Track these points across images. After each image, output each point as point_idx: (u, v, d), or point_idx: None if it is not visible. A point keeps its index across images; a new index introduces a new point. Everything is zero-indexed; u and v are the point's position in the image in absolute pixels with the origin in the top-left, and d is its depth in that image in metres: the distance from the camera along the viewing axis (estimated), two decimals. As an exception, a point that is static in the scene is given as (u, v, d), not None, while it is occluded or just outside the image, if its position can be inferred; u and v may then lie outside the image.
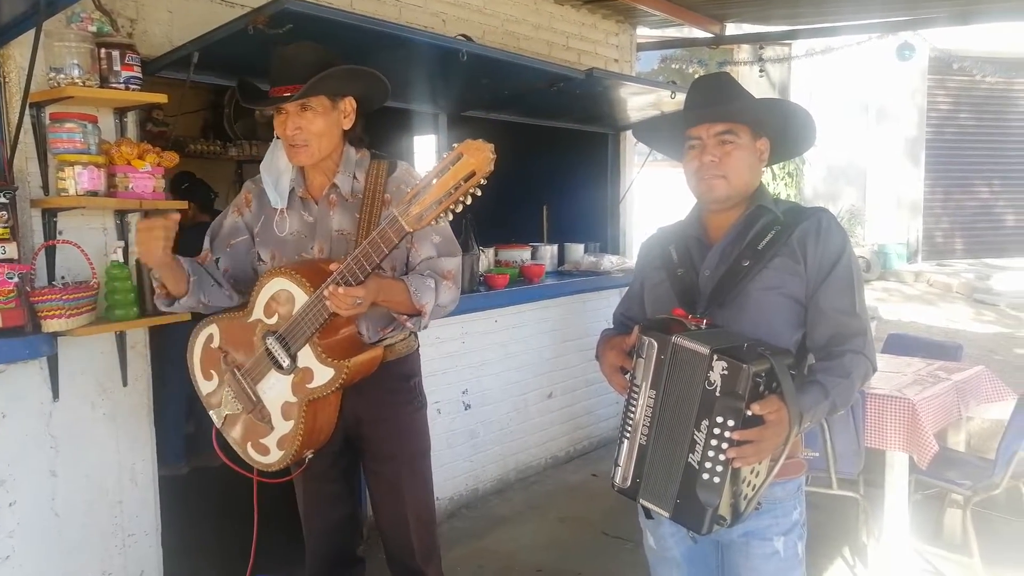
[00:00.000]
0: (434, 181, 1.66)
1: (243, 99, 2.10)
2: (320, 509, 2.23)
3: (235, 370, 2.03)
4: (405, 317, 1.96)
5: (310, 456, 2.00)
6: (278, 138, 2.04)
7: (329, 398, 1.96)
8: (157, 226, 1.87)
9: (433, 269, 2.01)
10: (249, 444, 2.04)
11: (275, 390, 1.98)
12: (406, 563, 2.18)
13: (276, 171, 2.08)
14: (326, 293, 1.78)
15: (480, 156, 1.61)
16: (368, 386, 2.02)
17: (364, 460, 2.19)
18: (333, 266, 1.82)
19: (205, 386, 2.11)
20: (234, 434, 2.08)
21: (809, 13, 5.19)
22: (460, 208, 1.67)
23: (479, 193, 1.65)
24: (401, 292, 1.91)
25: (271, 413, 1.99)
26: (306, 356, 1.92)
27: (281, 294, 1.94)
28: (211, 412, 2.12)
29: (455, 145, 1.65)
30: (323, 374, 1.89)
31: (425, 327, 2.05)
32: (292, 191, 2.08)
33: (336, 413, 2.01)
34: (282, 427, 1.97)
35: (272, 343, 1.95)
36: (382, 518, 2.20)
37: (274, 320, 1.96)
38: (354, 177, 2.05)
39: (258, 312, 1.99)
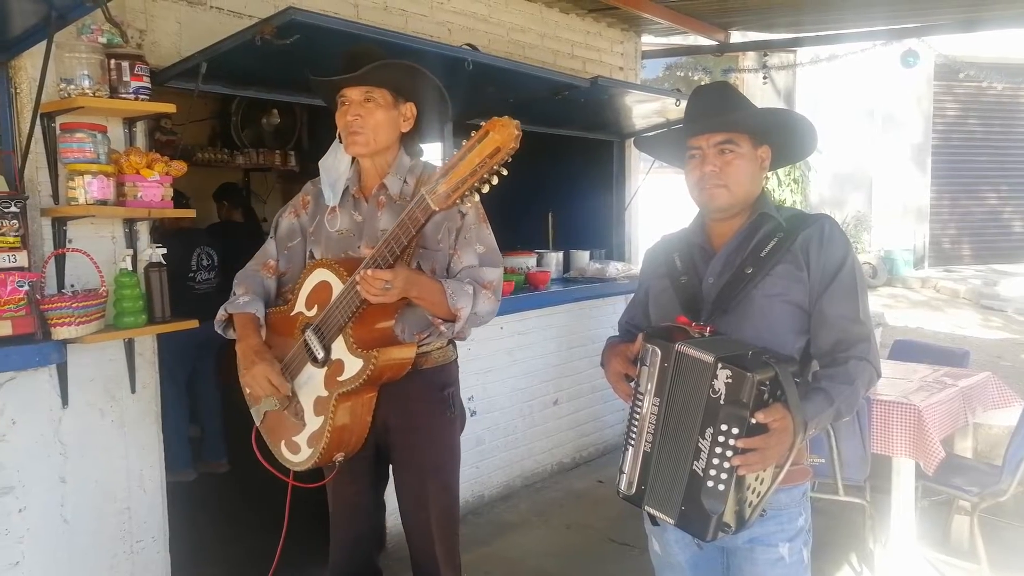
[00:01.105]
0: (461, 160, 1.66)
1: (312, 81, 2.13)
2: (347, 519, 2.22)
3: None
4: (440, 321, 1.96)
5: (340, 460, 2.00)
6: (339, 140, 2.07)
7: (362, 398, 1.96)
8: (260, 376, 1.96)
9: (473, 278, 2.00)
10: (283, 442, 2.05)
11: (309, 384, 1.99)
12: (430, 572, 2.17)
13: (336, 172, 2.10)
14: (357, 278, 1.79)
15: (505, 132, 1.62)
16: (402, 393, 2.03)
17: (393, 468, 2.18)
18: (366, 251, 1.84)
19: None
20: (270, 432, 2.09)
21: (813, 21, 5.20)
22: (486, 188, 1.67)
23: (504, 172, 1.65)
24: (437, 293, 1.91)
25: (304, 408, 2.00)
26: (339, 347, 1.92)
27: (321, 285, 1.96)
28: (252, 410, 2.14)
29: (483, 123, 1.65)
30: (353, 365, 1.90)
31: (461, 336, 2.04)
32: (346, 189, 2.11)
33: (368, 416, 2.00)
34: (313, 423, 1.98)
35: (309, 335, 1.97)
36: (408, 527, 2.19)
37: (314, 312, 1.98)
38: (404, 181, 2.07)
39: (300, 305, 2.02)
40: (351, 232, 2.09)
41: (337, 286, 1.91)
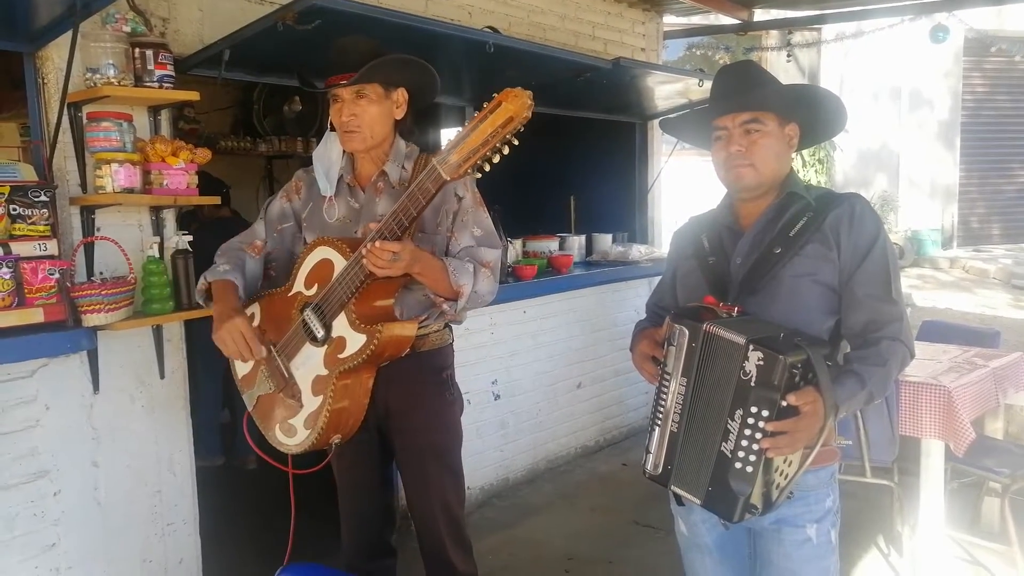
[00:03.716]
0: (474, 130, 1.66)
1: (303, 85, 2.17)
2: (355, 500, 2.25)
3: (270, 347, 2.05)
4: (442, 299, 1.97)
5: (337, 442, 2.00)
6: (331, 130, 2.08)
7: (361, 378, 1.96)
8: (235, 329, 1.95)
9: (472, 257, 2.02)
10: (277, 426, 2.05)
11: (308, 365, 1.99)
12: (438, 554, 2.19)
13: (328, 161, 2.12)
14: (363, 251, 1.80)
15: (518, 102, 1.62)
16: (400, 376, 2.04)
17: (396, 452, 2.20)
18: (372, 225, 1.84)
19: (241, 368, 2.14)
20: (264, 416, 2.10)
21: (839, -4, 5.11)
22: (497, 158, 1.67)
23: (516, 142, 1.65)
24: (439, 270, 1.92)
25: (301, 389, 2.00)
26: (340, 324, 1.92)
27: (323, 263, 1.96)
28: (244, 395, 2.15)
29: (495, 94, 1.65)
30: (355, 341, 1.90)
31: (461, 317, 2.06)
32: (340, 178, 2.12)
33: (366, 399, 2.01)
34: (311, 404, 1.98)
35: (309, 314, 1.97)
36: (413, 510, 2.22)
37: (313, 291, 1.98)
38: (402, 167, 2.09)
39: (299, 284, 2.02)
40: (348, 219, 2.10)
41: (339, 263, 1.92)
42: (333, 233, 2.10)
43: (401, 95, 2.06)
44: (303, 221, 2.18)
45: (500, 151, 1.66)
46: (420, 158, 2.10)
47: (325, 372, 1.95)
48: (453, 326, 2.21)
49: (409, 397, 2.10)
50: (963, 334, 3.81)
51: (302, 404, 2.00)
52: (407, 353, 2.02)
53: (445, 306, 1.98)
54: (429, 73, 2.07)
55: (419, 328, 2.05)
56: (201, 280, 2.12)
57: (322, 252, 1.97)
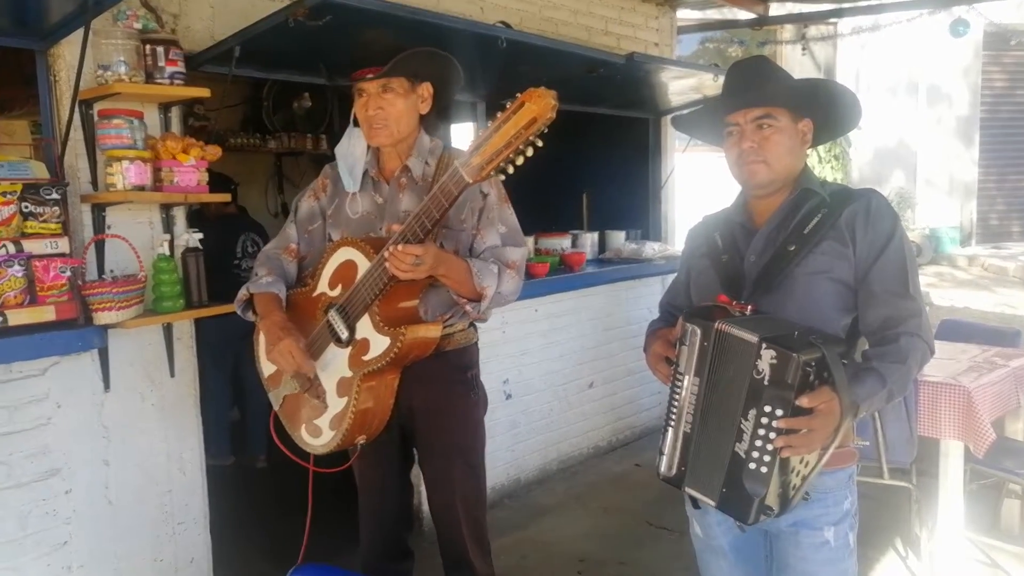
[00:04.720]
0: (496, 131, 1.64)
1: (328, 79, 2.13)
2: (374, 500, 2.23)
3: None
4: (465, 300, 1.95)
5: (362, 443, 1.99)
6: (353, 125, 2.07)
7: (385, 379, 1.95)
8: (285, 351, 1.93)
9: (497, 257, 2.00)
10: (303, 426, 2.05)
11: (332, 366, 1.98)
12: (458, 554, 2.17)
13: (352, 156, 2.10)
14: (386, 254, 1.78)
15: (542, 103, 1.59)
16: (425, 376, 2.02)
17: (418, 451, 2.18)
18: (395, 227, 1.82)
19: (267, 368, 2.13)
20: (289, 416, 2.09)
21: (856, -10, 5.05)
22: (521, 160, 1.64)
23: (539, 143, 1.62)
24: (463, 272, 1.91)
25: (326, 390, 1.99)
26: (364, 326, 1.91)
27: (346, 264, 1.95)
28: (270, 394, 2.14)
29: (518, 94, 1.62)
30: (379, 344, 1.88)
31: (484, 316, 2.04)
32: (365, 172, 2.10)
33: (391, 399, 1.99)
34: (336, 405, 1.97)
35: (333, 315, 1.96)
36: (435, 510, 2.20)
37: (337, 292, 1.97)
38: (426, 163, 2.07)
39: (323, 285, 2.01)
40: (372, 214, 2.08)
41: (363, 264, 1.90)
42: (356, 227, 2.08)
43: (426, 89, 2.04)
44: (328, 217, 2.16)
45: (523, 153, 1.63)
46: (444, 154, 2.07)
47: (349, 374, 1.94)
48: (477, 324, 2.19)
49: (434, 397, 2.08)
50: (982, 333, 3.75)
51: (327, 405, 1.99)
52: (432, 353, 2.00)
53: (468, 307, 1.97)
54: (454, 67, 2.05)
55: (444, 327, 2.03)
56: (243, 290, 2.10)
57: (346, 253, 1.96)
